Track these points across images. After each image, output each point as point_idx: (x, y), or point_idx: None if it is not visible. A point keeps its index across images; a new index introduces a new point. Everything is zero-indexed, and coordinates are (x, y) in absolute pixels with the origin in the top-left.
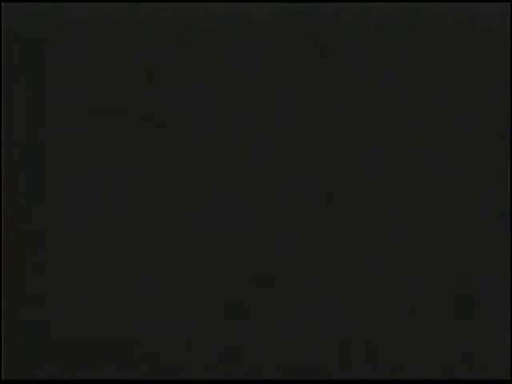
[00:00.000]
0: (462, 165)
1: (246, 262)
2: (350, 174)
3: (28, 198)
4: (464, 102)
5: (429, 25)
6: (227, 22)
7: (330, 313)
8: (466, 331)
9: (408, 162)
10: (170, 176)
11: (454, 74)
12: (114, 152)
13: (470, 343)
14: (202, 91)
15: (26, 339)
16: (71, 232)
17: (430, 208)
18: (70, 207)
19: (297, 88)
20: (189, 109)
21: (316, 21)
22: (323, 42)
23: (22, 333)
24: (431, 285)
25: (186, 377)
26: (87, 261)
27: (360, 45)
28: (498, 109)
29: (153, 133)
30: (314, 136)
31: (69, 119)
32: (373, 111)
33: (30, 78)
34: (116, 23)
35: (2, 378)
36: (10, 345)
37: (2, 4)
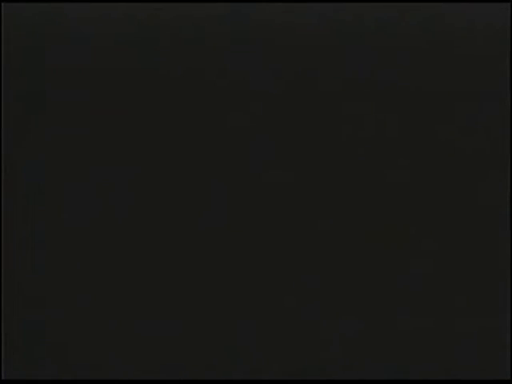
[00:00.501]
0: (461, 165)
1: (246, 261)
2: (349, 173)
3: (28, 198)
4: (464, 101)
5: (429, 25)
6: (227, 22)
7: (330, 313)
8: (466, 331)
9: (407, 162)
10: (169, 176)
11: (454, 73)
12: (113, 152)
13: (470, 343)
14: (202, 91)
15: (26, 339)
16: (71, 232)
17: (430, 208)
18: (70, 207)
19: (295, 88)
20: (188, 108)
21: (316, 21)
22: (323, 42)
23: (22, 333)
24: (431, 285)
25: (186, 377)
26: (87, 261)
27: (360, 45)
28: (498, 109)
29: (152, 133)
30: (314, 136)
31: (69, 119)
32: (372, 111)
33: (30, 77)
34: (116, 23)
35: (2, 378)
36: (9, 345)
37: (2, 4)
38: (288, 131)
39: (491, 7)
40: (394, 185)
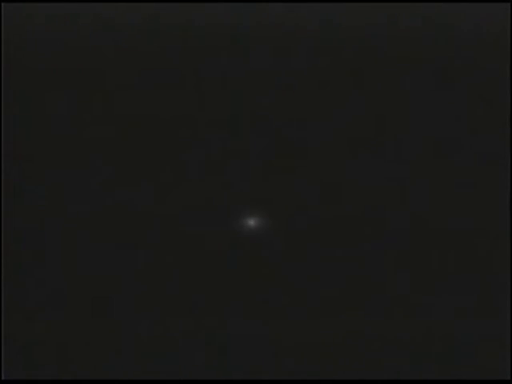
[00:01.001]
0: (461, 165)
1: (244, 262)
2: (349, 172)
3: (28, 198)
4: (464, 101)
5: (429, 25)
6: (227, 23)
7: (329, 312)
8: (466, 331)
9: (407, 162)
10: (169, 176)
11: (454, 73)
12: (113, 152)
13: (470, 343)
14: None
15: (26, 339)
16: (71, 232)
17: (430, 208)
18: (70, 207)
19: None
20: (187, 109)
21: (316, 21)
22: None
23: (22, 333)
24: (431, 285)
25: (186, 377)
26: (87, 261)
27: (360, 45)
28: (498, 109)
29: (152, 132)
30: (314, 136)
31: (69, 119)
32: (372, 111)
33: (30, 77)
34: (116, 23)
35: (2, 378)
36: (9, 345)
37: (2, 4)
38: (286, 131)
39: (491, 7)
40: (393, 184)
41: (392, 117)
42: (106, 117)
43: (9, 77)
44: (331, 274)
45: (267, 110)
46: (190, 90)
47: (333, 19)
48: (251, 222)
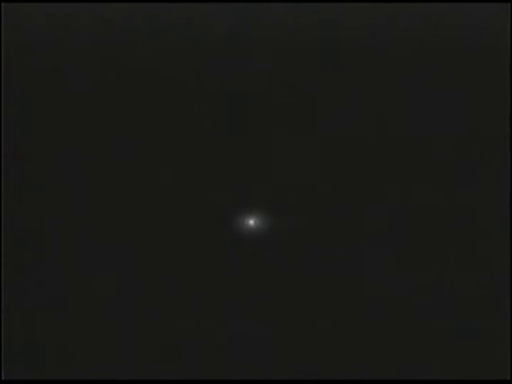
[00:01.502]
0: (461, 164)
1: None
2: (349, 172)
3: (28, 198)
4: (464, 101)
5: (429, 25)
6: (227, 23)
7: (328, 312)
8: (466, 331)
9: (407, 162)
10: (169, 177)
11: (454, 74)
12: (113, 152)
13: (470, 343)
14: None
15: (26, 339)
16: (71, 232)
17: (430, 208)
18: (70, 206)
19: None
20: (186, 109)
21: (316, 21)
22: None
23: (22, 333)
24: (431, 285)
25: (186, 377)
26: (87, 260)
27: (360, 45)
28: (498, 109)
29: (152, 132)
30: (314, 136)
31: (69, 119)
32: (372, 111)
33: (30, 77)
34: (116, 23)
35: (2, 378)
36: (9, 345)
37: (2, 4)
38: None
39: (491, 7)
40: (393, 184)
41: (391, 116)
42: (105, 117)
43: (9, 77)
44: (331, 274)
45: (267, 110)
46: (190, 89)
47: (333, 19)
48: (251, 222)
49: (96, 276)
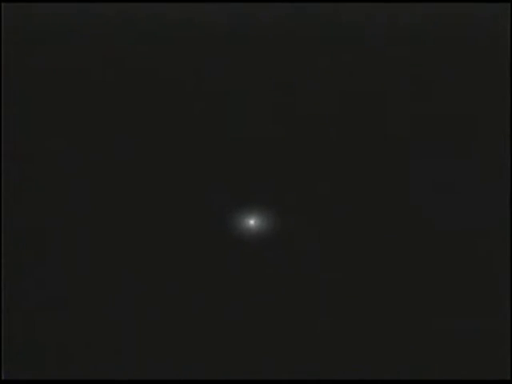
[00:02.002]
0: (461, 164)
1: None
2: (349, 172)
3: (28, 198)
4: (464, 101)
5: (429, 25)
6: (227, 22)
7: (328, 312)
8: (466, 331)
9: (407, 162)
10: (168, 176)
11: (454, 73)
12: (113, 151)
13: (470, 343)
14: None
15: (26, 339)
16: (71, 231)
17: (430, 208)
18: (70, 207)
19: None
20: (186, 110)
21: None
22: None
23: (22, 333)
24: (431, 285)
25: (186, 377)
26: (87, 261)
27: (360, 45)
28: (498, 109)
29: (151, 132)
30: (314, 136)
31: (68, 119)
32: (372, 111)
33: (30, 77)
34: (116, 23)
35: (2, 378)
36: (9, 345)
37: (2, 4)
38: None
39: (491, 7)
40: (393, 184)
41: (391, 116)
42: (105, 116)
43: (9, 77)
44: (332, 274)
45: (267, 110)
46: (189, 88)
47: (333, 19)
48: (251, 222)
49: (96, 276)
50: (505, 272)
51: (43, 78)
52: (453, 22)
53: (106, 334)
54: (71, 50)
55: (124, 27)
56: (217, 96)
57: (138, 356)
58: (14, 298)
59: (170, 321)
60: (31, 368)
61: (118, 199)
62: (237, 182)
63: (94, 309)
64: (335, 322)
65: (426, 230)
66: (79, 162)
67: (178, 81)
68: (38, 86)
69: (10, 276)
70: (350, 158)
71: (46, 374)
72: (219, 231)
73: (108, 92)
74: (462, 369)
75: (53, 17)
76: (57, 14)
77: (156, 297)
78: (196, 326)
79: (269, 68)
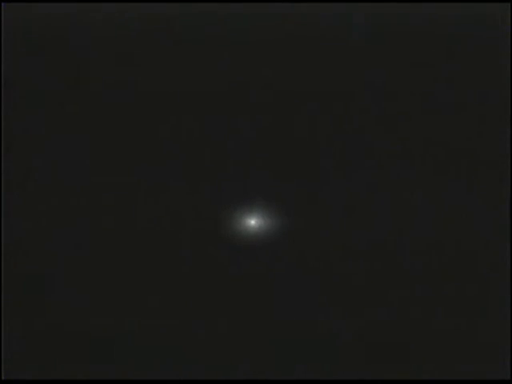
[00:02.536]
0: (461, 165)
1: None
2: (350, 171)
3: (28, 198)
4: (464, 101)
5: (429, 25)
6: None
7: (329, 312)
8: (466, 331)
9: (407, 162)
10: (169, 177)
11: (454, 73)
12: (113, 152)
13: (470, 343)
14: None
15: (26, 339)
16: (71, 232)
17: (430, 208)
18: (71, 207)
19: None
20: (186, 110)
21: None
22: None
23: (22, 333)
24: (431, 285)
25: (186, 377)
26: (87, 261)
27: (360, 44)
28: (498, 109)
29: (152, 132)
30: (312, 136)
31: (68, 119)
32: (372, 111)
33: (30, 77)
34: (116, 23)
35: (2, 378)
36: (9, 345)
37: (2, 4)
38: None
39: (491, 7)
40: (393, 184)
41: (391, 116)
42: (104, 116)
43: (9, 77)
44: (332, 274)
45: (267, 109)
46: (189, 87)
47: (334, 18)
48: (252, 222)
49: (96, 276)
50: (505, 272)
51: (43, 77)
52: (452, 21)
53: (105, 333)
54: (71, 50)
55: (124, 27)
56: (217, 94)
57: (138, 356)
58: (14, 298)
59: (170, 321)
60: (31, 368)
61: (117, 199)
62: (237, 182)
63: (93, 309)
64: (335, 321)
65: (425, 230)
66: (79, 162)
67: (177, 80)
68: (38, 85)
69: (10, 275)
70: (349, 158)
71: (46, 373)
72: (219, 231)
73: (108, 92)
74: (462, 369)
75: (53, 17)
76: (57, 14)
77: (156, 297)
78: (196, 325)
79: (268, 68)
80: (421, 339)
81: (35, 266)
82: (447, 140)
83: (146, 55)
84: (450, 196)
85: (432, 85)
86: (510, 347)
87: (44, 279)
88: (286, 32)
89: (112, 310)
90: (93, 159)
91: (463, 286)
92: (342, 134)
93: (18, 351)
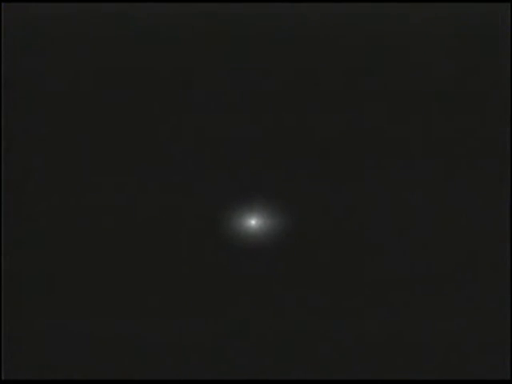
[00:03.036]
0: (461, 165)
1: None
2: (349, 174)
3: (28, 197)
4: (464, 101)
5: (429, 25)
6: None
7: (330, 313)
8: (466, 331)
9: (407, 162)
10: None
11: (454, 73)
12: (113, 151)
13: (470, 343)
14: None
15: (26, 339)
16: (71, 232)
17: (430, 208)
18: (70, 206)
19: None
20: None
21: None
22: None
23: (22, 333)
24: (431, 284)
25: (186, 377)
26: (88, 262)
27: (360, 44)
28: (498, 109)
29: (152, 132)
30: (313, 136)
31: (68, 119)
32: (373, 111)
33: (30, 77)
34: (116, 23)
35: (2, 378)
36: (9, 345)
37: (2, 4)
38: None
39: (491, 7)
40: (392, 185)
41: (391, 116)
42: (103, 116)
43: (9, 77)
44: (332, 274)
45: (267, 109)
46: (189, 86)
47: (333, 19)
48: (252, 222)
49: (95, 276)
50: (505, 272)
51: (43, 77)
52: (452, 21)
53: (105, 334)
54: (71, 50)
55: (124, 27)
56: (217, 94)
57: (138, 356)
58: (14, 299)
59: (170, 321)
60: (31, 368)
61: (117, 199)
62: (237, 182)
63: (93, 309)
64: (335, 321)
65: (425, 230)
66: (79, 162)
67: (177, 80)
68: (37, 85)
69: (10, 275)
70: (350, 158)
71: (46, 373)
72: (219, 231)
73: (108, 92)
74: (462, 369)
75: (53, 17)
76: (57, 14)
77: (156, 297)
78: (196, 325)
79: (268, 67)
80: (421, 339)
81: (35, 266)
82: (447, 140)
83: (145, 55)
84: (450, 196)
85: (432, 85)
86: (510, 347)
87: (44, 279)
88: (285, 32)
89: (112, 310)
90: (93, 159)
91: (463, 286)
92: (342, 133)
93: (17, 351)
